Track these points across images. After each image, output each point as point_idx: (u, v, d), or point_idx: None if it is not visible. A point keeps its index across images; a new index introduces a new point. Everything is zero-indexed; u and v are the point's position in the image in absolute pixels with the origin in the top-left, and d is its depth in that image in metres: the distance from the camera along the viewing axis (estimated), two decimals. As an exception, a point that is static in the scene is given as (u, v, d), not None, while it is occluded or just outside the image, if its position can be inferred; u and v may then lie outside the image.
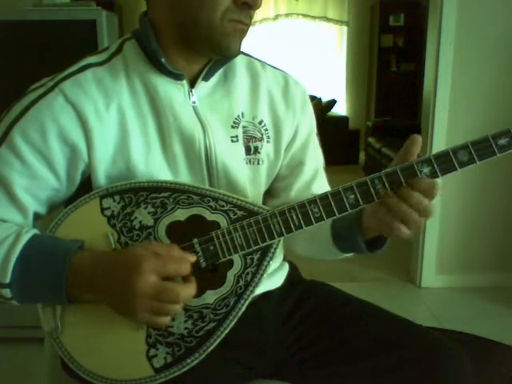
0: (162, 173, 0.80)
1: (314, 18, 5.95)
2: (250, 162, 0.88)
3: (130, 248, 0.74)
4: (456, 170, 0.72)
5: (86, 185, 0.79)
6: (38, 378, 1.75)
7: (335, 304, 0.98)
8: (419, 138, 0.74)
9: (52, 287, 0.73)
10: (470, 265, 2.62)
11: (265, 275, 0.77)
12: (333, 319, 0.95)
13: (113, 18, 2.00)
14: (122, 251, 0.75)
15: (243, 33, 0.79)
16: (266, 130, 0.90)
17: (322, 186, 0.98)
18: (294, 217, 0.75)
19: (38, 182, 0.77)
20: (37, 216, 0.82)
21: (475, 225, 2.57)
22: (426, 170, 0.72)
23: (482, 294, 2.52)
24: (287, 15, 5.91)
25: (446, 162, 0.72)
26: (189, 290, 0.71)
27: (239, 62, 0.90)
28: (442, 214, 2.54)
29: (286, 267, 1.02)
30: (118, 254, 0.74)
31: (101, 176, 0.78)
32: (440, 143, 2.45)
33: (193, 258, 0.73)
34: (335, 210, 0.74)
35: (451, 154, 0.72)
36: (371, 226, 0.79)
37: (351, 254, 0.90)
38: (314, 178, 0.97)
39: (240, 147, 0.87)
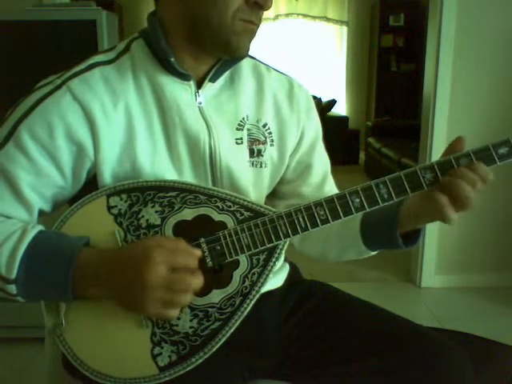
0: (167, 173, 0.80)
1: (314, 17, 5.95)
2: (253, 164, 0.88)
3: (137, 242, 0.74)
4: None
5: (91, 184, 0.80)
6: (38, 378, 1.75)
7: (335, 304, 0.98)
8: (462, 138, 0.76)
9: (57, 284, 0.72)
10: (470, 265, 2.62)
11: (270, 275, 0.77)
12: (333, 319, 0.95)
13: (113, 18, 2.00)
14: (129, 245, 0.75)
15: (253, 33, 0.80)
16: (270, 133, 0.90)
17: (331, 189, 0.99)
18: (301, 219, 0.76)
19: (43, 179, 0.77)
20: (41, 213, 0.82)
21: (475, 225, 2.57)
22: (429, 175, 0.74)
23: (482, 294, 2.52)
24: (287, 15, 5.92)
25: (448, 169, 0.73)
26: (198, 280, 0.71)
27: (245, 64, 0.90)
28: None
29: (287, 267, 1.02)
30: (125, 248, 0.74)
31: (107, 175, 0.78)
32: (440, 143, 2.44)
33: (199, 253, 0.73)
34: (341, 212, 0.75)
35: (453, 161, 0.74)
36: (415, 214, 0.80)
37: (375, 252, 0.91)
38: (324, 181, 0.98)
39: (244, 149, 0.87)
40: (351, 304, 0.98)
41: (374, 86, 5.92)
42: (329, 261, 0.99)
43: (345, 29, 6.02)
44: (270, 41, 5.88)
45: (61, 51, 1.80)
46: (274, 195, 0.99)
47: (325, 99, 5.64)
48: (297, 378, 0.94)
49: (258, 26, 0.80)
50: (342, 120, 5.68)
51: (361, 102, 6.25)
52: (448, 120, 2.44)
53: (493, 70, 2.41)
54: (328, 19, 5.96)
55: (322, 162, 0.99)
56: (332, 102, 5.62)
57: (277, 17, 5.90)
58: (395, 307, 1.01)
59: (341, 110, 6.06)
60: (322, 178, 0.98)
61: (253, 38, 0.81)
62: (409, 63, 5.73)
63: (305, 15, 5.94)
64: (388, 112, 5.65)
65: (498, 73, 2.41)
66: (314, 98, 5.40)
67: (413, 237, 0.84)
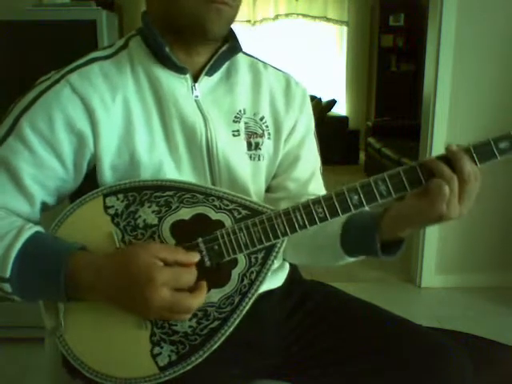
0: (165, 164, 0.81)
1: (314, 18, 5.95)
2: (251, 157, 0.89)
3: (134, 253, 0.71)
4: None
5: (91, 176, 0.80)
6: (38, 378, 1.75)
7: (335, 304, 0.98)
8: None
9: (49, 284, 0.72)
10: (470, 265, 2.62)
11: (269, 274, 0.77)
12: (333, 319, 0.95)
13: (113, 18, 2.00)
14: (126, 255, 0.72)
15: (220, 11, 0.78)
16: (267, 126, 0.91)
17: (318, 187, 0.98)
18: (299, 217, 0.75)
19: (45, 171, 0.78)
20: (44, 206, 0.82)
21: (475, 225, 2.57)
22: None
23: (482, 293, 2.52)
24: (287, 15, 5.91)
25: (447, 163, 0.72)
26: (199, 300, 0.72)
27: (242, 61, 0.92)
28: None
29: (287, 267, 1.02)
30: (122, 259, 0.71)
31: (106, 166, 0.79)
32: (440, 143, 2.44)
33: (197, 258, 0.73)
34: (339, 210, 0.74)
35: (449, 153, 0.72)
36: (400, 221, 0.77)
37: (355, 259, 0.87)
38: (311, 178, 0.97)
39: (241, 142, 0.88)
40: (351, 304, 0.98)
41: (374, 86, 5.91)
42: (301, 263, 0.99)
43: (345, 29, 6.02)
44: (270, 41, 5.88)
45: (61, 51, 1.80)
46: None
47: (325, 99, 5.63)
48: (297, 378, 0.94)
49: (226, 3, 0.78)
50: (342, 120, 5.68)
51: (361, 102, 6.24)
52: (448, 120, 2.44)
53: (493, 69, 2.41)
54: (328, 19, 5.95)
55: (310, 158, 0.98)
56: (332, 102, 5.61)
57: (277, 17, 5.90)
58: (395, 307, 1.01)
59: (341, 110, 6.05)
60: (309, 175, 0.97)
61: (224, 16, 0.79)
62: (409, 63, 5.72)
63: (305, 15, 5.93)
64: (388, 112, 5.65)
65: (498, 73, 2.41)
66: (314, 97, 5.40)
67: (393, 249, 0.81)
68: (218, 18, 0.79)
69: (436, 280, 2.63)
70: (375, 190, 0.73)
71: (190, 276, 0.72)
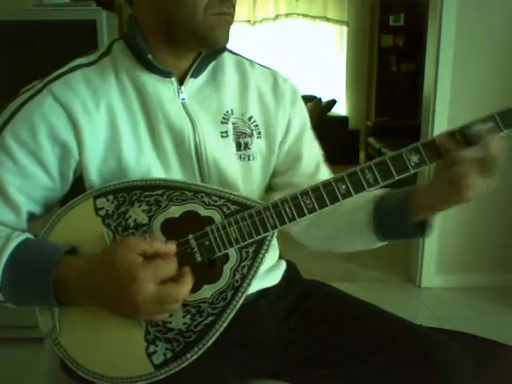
0: (153, 169, 0.81)
1: (314, 18, 5.95)
2: (240, 158, 0.88)
3: (115, 251, 0.71)
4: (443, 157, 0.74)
5: (78, 184, 0.80)
6: (38, 378, 1.75)
7: (335, 304, 0.98)
8: None
9: (39, 291, 0.72)
10: (470, 265, 2.62)
11: (261, 268, 0.77)
12: (332, 319, 0.95)
13: (113, 18, 2.00)
14: (107, 256, 0.71)
15: (228, 23, 0.80)
16: (256, 125, 0.90)
17: (326, 177, 0.98)
18: (287, 209, 0.75)
19: (31, 181, 0.78)
20: (31, 216, 0.82)
21: (475, 225, 2.57)
22: (415, 158, 0.74)
23: (482, 294, 2.52)
24: (287, 15, 5.91)
25: (434, 150, 0.74)
26: (186, 288, 0.72)
27: (228, 60, 0.91)
28: (442, 214, 2.54)
29: (283, 265, 1.01)
30: (104, 261, 0.71)
31: (92, 174, 0.79)
32: (440, 143, 2.44)
33: (173, 246, 0.73)
34: (327, 200, 0.75)
35: (438, 142, 0.74)
36: (425, 202, 0.82)
37: (385, 243, 0.89)
38: (317, 170, 0.97)
39: (230, 143, 0.87)
40: (350, 304, 0.98)
41: (374, 86, 5.91)
42: (332, 251, 1.00)
43: (345, 29, 6.01)
44: (270, 41, 5.87)
45: (61, 51, 1.79)
46: (270, 188, 0.98)
47: (325, 99, 5.62)
48: (297, 378, 0.94)
49: (231, 14, 0.80)
50: (342, 120, 5.67)
51: (361, 102, 6.24)
52: (448, 120, 2.44)
53: (493, 69, 2.41)
54: (328, 19, 5.95)
55: (311, 152, 0.98)
56: (332, 102, 5.60)
57: (277, 17, 5.89)
58: (395, 307, 1.01)
59: (341, 110, 6.05)
60: (314, 168, 0.97)
61: (229, 27, 0.81)
62: (409, 63, 5.72)
63: (305, 15, 5.93)
64: (388, 112, 5.64)
65: (497, 72, 2.41)
66: (314, 97, 5.40)
67: (423, 228, 0.86)
68: (226, 29, 0.80)
69: (436, 280, 2.63)
70: (362, 179, 0.75)
71: (170, 266, 0.72)
